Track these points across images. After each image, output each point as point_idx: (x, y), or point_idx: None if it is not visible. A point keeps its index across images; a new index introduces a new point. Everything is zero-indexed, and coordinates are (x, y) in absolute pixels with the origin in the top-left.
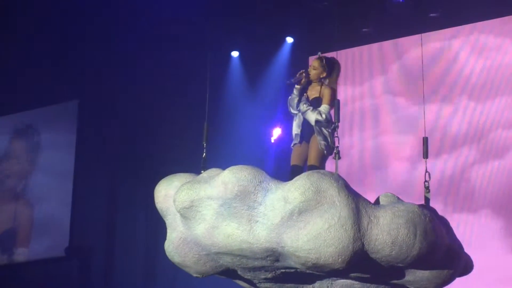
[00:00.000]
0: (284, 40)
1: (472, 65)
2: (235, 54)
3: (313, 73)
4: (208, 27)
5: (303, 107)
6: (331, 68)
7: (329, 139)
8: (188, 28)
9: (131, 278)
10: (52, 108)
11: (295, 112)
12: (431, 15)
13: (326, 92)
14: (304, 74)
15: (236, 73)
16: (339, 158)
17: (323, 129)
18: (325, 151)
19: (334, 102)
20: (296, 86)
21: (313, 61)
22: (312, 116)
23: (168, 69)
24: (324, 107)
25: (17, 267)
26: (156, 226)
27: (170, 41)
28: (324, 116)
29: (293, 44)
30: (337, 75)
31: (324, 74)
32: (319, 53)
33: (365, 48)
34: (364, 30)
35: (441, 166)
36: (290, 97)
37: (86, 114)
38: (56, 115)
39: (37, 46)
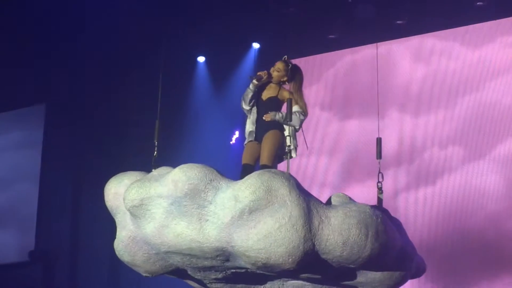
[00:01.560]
0: (250, 46)
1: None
2: (201, 59)
3: (275, 74)
4: (174, 30)
5: (278, 116)
6: (294, 74)
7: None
8: (154, 31)
9: (96, 281)
10: (20, 111)
11: (247, 108)
12: (397, 22)
13: (286, 95)
14: (266, 76)
15: (202, 78)
16: (291, 157)
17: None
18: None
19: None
20: (254, 81)
21: (277, 63)
22: (296, 121)
23: (134, 72)
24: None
25: None
26: None
27: (135, 44)
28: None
29: (260, 49)
30: (300, 83)
31: (285, 78)
32: (285, 56)
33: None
34: (330, 36)
35: (364, 193)
36: (245, 92)
37: (53, 117)
38: (23, 117)
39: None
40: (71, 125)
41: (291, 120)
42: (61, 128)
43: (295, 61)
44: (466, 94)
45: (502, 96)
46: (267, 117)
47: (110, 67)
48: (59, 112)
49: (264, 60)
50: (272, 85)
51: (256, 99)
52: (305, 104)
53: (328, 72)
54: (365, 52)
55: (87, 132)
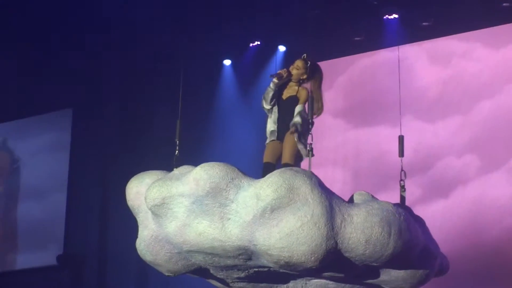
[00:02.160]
0: (276, 48)
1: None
2: (227, 62)
3: (294, 72)
4: (200, 34)
5: (298, 125)
6: (313, 72)
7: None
8: (179, 34)
9: (124, 285)
10: (48, 115)
11: (268, 107)
12: (423, 23)
13: (303, 93)
14: (287, 73)
15: (228, 81)
16: (313, 155)
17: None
18: (304, 156)
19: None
20: (274, 80)
21: (297, 61)
22: (298, 119)
23: (160, 74)
24: (298, 107)
25: (7, 276)
26: None
27: (160, 46)
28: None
29: (286, 52)
30: (319, 81)
31: (305, 76)
32: (305, 55)
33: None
34: (356, 39)
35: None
36: (265, 91)
37: (80, 121)
38: (51, 123)
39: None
40: (98, 129)
41: (312, 117)
42: (88, 131)
43: (321, 64)
44: (483, 98)
45: None
46: (293, 134)
47: (136, 69)
48: (86, 116)
49: (290, 63)
50: (292, 84)
51: (277, 98)
52: (322, 104)
53: (341, 78)
54: (380, 56)
55: (114, 135)
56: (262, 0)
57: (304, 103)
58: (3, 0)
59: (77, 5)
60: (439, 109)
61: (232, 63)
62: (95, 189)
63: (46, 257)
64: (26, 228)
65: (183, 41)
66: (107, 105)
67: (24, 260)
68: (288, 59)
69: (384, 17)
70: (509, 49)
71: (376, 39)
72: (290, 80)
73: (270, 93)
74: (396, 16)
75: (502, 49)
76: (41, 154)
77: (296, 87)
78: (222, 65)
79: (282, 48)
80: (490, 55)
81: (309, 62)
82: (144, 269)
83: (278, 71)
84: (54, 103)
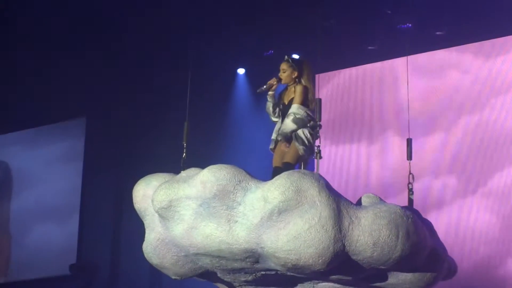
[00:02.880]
0: (319, 104)
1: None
2: (241, 71)
3: (284, 76)
4: (216, 44)
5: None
6: (300, 67)
7: (306, 141)
8: (197, 43)
9: None
10: (62, 123)
11: (276, 119)
12: (437, 33)
13: (297, 90)
14: (276, 81)
15: (242, 90)
16: (321, 157)
17: (299, 133)
18: (305, 155)
19: (308, 100)
20: (269, 93)
21: (281, 65)
22: (289, 124)
23: (174, 84)
24: (294, 107)
25: (20, 286)
26: None
27: (175, 55)
28: (297, 116)
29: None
30: (309, 73)
31: (296, 74)
32: (286, 56)
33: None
34: (370, 48)
35: None
36: (266, 106)
37: (94, 130)
38: (65, 131)
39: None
40: (112, 137)
41: (320, 120)
42: (102, 140)
43: (333, 73)
44: (465, 114)
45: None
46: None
47: (151, 77)
48: (100, 125)
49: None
50: (290, 87)
51: (281, 105)
52: (301, 95)
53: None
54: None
55: (128, 144)
56: (276, 9)
57: (300, 103)
58: (19, 9)
59: (92, 12)
60: (419, 125)
61: (246, 72)
62: (108, 198)
63: (59, 266)
64: (39, 237)
65: (198, 49)
66: (122, 113)
67: (37, 269)
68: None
69: (398, 26)
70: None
71: (391, 48)
72: (287, 86)
73: (270, 107)
74: (410, 25)
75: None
76: (55, 162)
77: (294, 88)
78: (236, 73)
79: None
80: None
81: (290, 60)
82: (157, 279)
83: (268, 82)
84: (68, 111)
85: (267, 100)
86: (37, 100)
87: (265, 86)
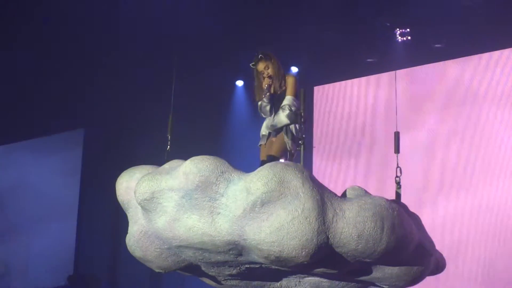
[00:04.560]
0: (289, 69)
1: None
2: (239, 83)
3: (270, 71)
4: (215, 56)
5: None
6: (271, 57)
7: (295, 134)
8: (198, 55)
9: None
10: (58, 136)
11: (270, 116)
12: (436, 45)
13: (289, 82)
14: (270, 81)
15: (240, 101)
16: (305, 148)
17: (290, 126)
18: (292, 150)
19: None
20: (266, 94)
21: (259, 65)
22: (283, 119)
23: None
24: (289, 99)
25: None
26: None
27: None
28: (292, 109)
29: (298, 73)
30: (275, 63)
31: (278, 65)
32: (260, 55)
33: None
34: (368, 60)
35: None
36: (261, 104)
37: (91, 142)
38: (63, 142)
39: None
40: (110, 148)
41: (304, 110)
42: (99, 151)
43: (334, 85)
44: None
45: None
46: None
47: (150, 89)
48: (98, 137)
49: (303, 84)
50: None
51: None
52: (293, 86)
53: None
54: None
55: (125, 156)
56: (275, 22)
57: (293, 94)
58: (23, 25)
59: (92, 23)
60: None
61: (244, 84)
62: (106, 208)
63: (57, 277)
64: (37, 248)
65: (198, 61)
66: (120, 125)
67: (35, 280)
68: (300, 80)
69: (397, 39)
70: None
71: (391, 60)
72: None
73: (267, 107)
74: (409, 37)
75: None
76: (53, 173)
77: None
78: (234, 85)
79: (294, 69)
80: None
81: (265, 55)
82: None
83: (265, 84)
84: (66, 123)
85: (263, 102)
86: (38, 112)
87: (266, 89)
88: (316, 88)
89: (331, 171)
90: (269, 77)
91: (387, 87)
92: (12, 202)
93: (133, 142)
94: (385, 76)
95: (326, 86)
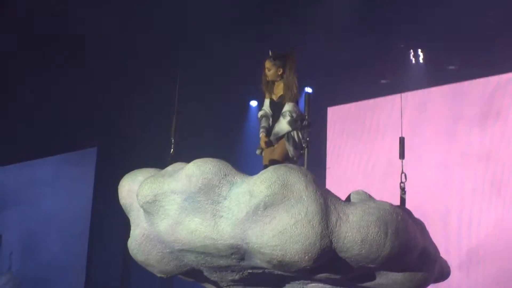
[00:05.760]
0: (303, 90)
1: None
2: (253, 103)
3: (269, 74)
4: (231, 77)
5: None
6: (283, 62)
7: (298, 142)
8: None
9: None
10: (71, 155)
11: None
12: (449, 67)
13: (287, 87)
14: (264, 146)
15: (254, 121)
16: (309, 152)
17: (292, 133)
18: (295, 157)
19: (297, 95)
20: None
21: (266, 62)
22: (284, 126)
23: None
24: (290, 106)
25: None
26: None
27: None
28: (293, 116)
29: (312, 94)
30: (292, 66)
31: (281, 71)
32: (270, 52)
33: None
34: (382, 81)
35: None
36: (262, 114)
37: (104, 159)
38: (77, 159)
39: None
40: (123, 166)
41: (309, 115)
42: (112, 169)
43: (348, 106)
44: None
45: None
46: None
47: (162, 108)
48: (110, 155)
49: (316, 105)
50: (277, 83)
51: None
52: (295, 91)
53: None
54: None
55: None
56: (290, 43)
57: (294, 101)
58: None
59: (101, 49)
60: None
61: (258, 104)
62: (117, 224)
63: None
64: (48, 262)
65: (212, 82)
66: (133, 144)
67: None
68: (314, 100)
69: (411, 60)
70: None
71: (405, 82)
72: (274, 82)
73: (270, 118)
74: (421, 61)
75: None
76: (65, 188)
77: (282, 84)
78: (248, 105)
79: (308, 90)
80: None
81: (274, 57)
82: None
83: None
84: (79, 141)
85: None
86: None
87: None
88: (330, 109)
89: (345, 192)
90: (262, 116)
91: (400, 108)
92: (28, 215)
93: (142, 160)
94: (398, 97)
95: (340, 106)
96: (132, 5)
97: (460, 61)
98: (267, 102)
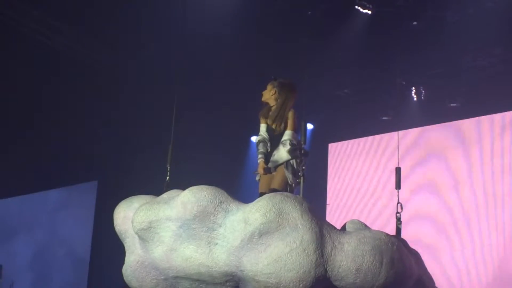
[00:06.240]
0: (304, 126)
1: None
2: (254, 139)
3: (265, 93)
4: (230, 112)
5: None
6: (282, 86)
7: (296, 168)
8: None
9: None
10: (74, 187)
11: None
12: (451, 105)
13: (289, 116)
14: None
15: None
16: (304, 180)
17: (292, 161)
18: (293, 184)
19: (297, 124)
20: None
21: (268, 85)
22: (284, 155)
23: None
24: (289, 134)
25: None
26: None
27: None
28: (293, 144)
29: (313, 130)
30: (284, 98)
31: (274, 91)
32: (273, 76)
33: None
34: (384, 118)
35: None
36: (259, 139)
37: (104, 193)
38: (78, 193)
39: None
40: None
41: (305, 143)
42: (112, 203)
43: (349, 142)
44: None
45: None
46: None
47: (161, 143)
48: (110, 189)
49: (317, 141)
50: (274, 109)
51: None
52: (293, 120)
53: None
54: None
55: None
56: (292, 79)
57: (294, 129)
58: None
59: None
60: None
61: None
62: (117, 250)
63: None
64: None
65: (213, 118)
66: (133, 177)
67: None
68: (315, 136)
69: (412, 97)
70: None
71: (406, 119)
72: (271, 108)
73: (268, 143)
74: (422, 98)
75: None
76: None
77: (279, 109)
78: (249, 141)
79: (309, 126)
80: None
81: (275, 82)
82: None
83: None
84: (80, 175)
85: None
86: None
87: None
88: (330, 145)
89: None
90: (260, 141)
91: (402, 145)
92: (31, 246)
93: (138, 191)
94: (400, 134)
95: (341, 143)
96: (130, 40)
97: (461, 98)
98: (263, 127)
